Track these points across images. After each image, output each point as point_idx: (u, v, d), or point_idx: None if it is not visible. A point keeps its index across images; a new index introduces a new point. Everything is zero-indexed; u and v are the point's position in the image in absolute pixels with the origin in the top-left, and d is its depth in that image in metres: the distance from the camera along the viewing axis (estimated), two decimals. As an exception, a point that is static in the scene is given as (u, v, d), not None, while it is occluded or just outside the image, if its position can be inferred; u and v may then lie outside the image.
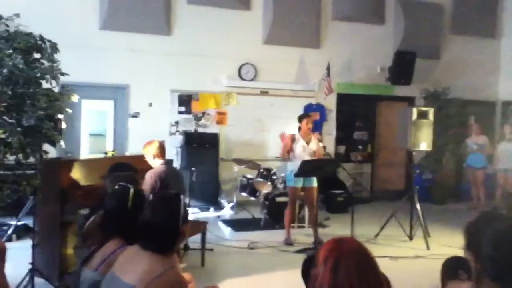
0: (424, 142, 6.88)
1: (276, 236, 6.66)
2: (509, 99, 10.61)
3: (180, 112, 8.81)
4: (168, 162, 4.86)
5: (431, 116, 6.93)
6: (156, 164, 4.75)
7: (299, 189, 6.34)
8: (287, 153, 6.38)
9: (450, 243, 6.51)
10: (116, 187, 2.76)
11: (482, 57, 10.70)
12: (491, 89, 10.85)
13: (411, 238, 6.67)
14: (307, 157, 6.18)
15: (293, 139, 6.37)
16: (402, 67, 9.83)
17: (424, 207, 6.72)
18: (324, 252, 1.67)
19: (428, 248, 6.28)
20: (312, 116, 6.62)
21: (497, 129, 10.76)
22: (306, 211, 7.10)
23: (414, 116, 6.85)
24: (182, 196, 2.36)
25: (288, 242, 6.34)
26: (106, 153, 6.30)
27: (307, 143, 6.35)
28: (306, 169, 6.07)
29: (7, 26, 4.52)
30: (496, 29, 10.93)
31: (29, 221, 5.92)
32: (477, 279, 1.76)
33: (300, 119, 6.50)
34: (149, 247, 2.24)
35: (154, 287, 2.11)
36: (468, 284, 2.83)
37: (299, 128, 6.45)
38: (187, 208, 2.44)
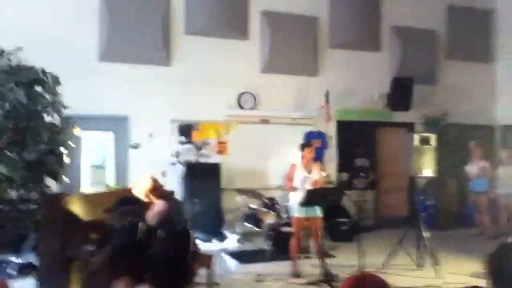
0: (427, 168, 6.85)
1: (283, 267, 6.51)
2: (508, 123, 10.64)
3: (181, 142, 8.75)
4: (169, 197, 4.69)
5: (432, 142, 6.93)
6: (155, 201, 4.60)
7: (303, 219, 6.23)
8: (290, 181, 6.31)
9: (459, 271, 6.42)
10: (125, 222, 2.67)
11: (479, 81, 10.80)
12: (489, 113, 10.91)
13: (418, 266, 6.54)
14: (308, 187, 6.07)
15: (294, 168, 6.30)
16: (400, 93, 9.89)
17: (429, 233, 6.61)
18: (346, 290, 1.61)
19: (437, 277, 6.14)
20: (314, 144, 6.55)
21: (496, 153, 10.76)
22: (311, 241, 6.95)
23: (416, 142, 6.84)
24: (191, 232, 2.28)
25: (295, 274, 6.19)
26: (107, 186, 6.20)
27: (309, 172, 6.27)
28: (312, 198, 5.98)
29: (9, 60, 4.49)
30: (490, 54, 11.06)
31: (32, 259, 5.78)
32: None
33: (303, 148, 6.45)
34: (159, 284, 2.15)
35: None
36: None
37: (302, 157, 6.38)
38: (196, 244, 2.36)
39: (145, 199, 4.63)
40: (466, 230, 9.50)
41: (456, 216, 10.04)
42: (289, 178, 6.34)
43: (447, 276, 6.15)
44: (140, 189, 4.58)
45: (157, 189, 4.63)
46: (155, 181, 4.68)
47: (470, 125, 10.44)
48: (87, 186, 8.31)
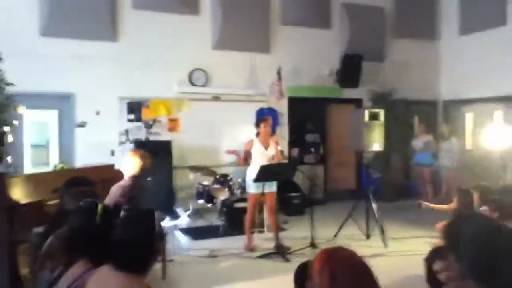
0: (376, 143, 7.07)
1: (236, 242, 6.59)
2: (450, 98, 11.13)
3: (130, 120, 8.54)
4: (137, 176, 4.62)
5: (381, 117, 7.14)
6: (127, 174, 4.52)
7: (258, 195, 6.30)
8: (245, 160, 6.34)
9: (405, 239, 6.76)
10: (81, 203, 2.59)
11: (424, 58, 11.16)
12: (433, 90, 11.34)
13: (368, 236, 6.81)
14: (265, 162, 6.14)
15: (251, 145, 6.33)
16: (349, 70, 10.07)
17: (376, 205, 6.88)
18: (319, 263, 1.65)
19: (385, 245, 6.43)
20: (269, 119, 6.60)
21: (440, 128, 11.26)
22: (264, 216, 7.06)
23: (366, 118, 7.03)
24: (156, 212, 2.25)
25: (249, 248, 6.28)
26: (55, 166, 5.98)
27: (266, 148, 6.33)
28: (265, 174, 6.04)
29: None
30: (434, 31, 11.44)
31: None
32: (461, 280, 1.78)
33: (258, 123, 6.50)
34: (123, 267, 2.12)
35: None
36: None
37: (257, 134, 6.42)
38: (161, 224, 2.33)
39: (125, 170, 4.53)
40: (411, 201, 9.95)
41: (400, 188, 10.48)
42: (246, 153, 6.36)
43: (394, 244, 6.45)
44: (137, 163, 4.48)
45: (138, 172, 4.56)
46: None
47: (415, 101, 10.83)
48: (28, 167, 7.98)
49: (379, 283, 1.62)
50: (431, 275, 3.08)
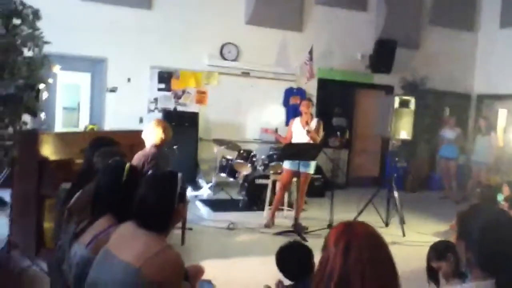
0: (404, 131, 6.98)
1: (254, 217, 6.67)
2: (484, 93, 10.85)
3: (160, 89, 8.64)
4: (160, 145, 4.67)
5: (412, 105, 7.04)
6: (149, 144, 4.60)
7: (293, 172, 6.27)
8: (287, 137, 6.47)
9: (424, 231, 6.71)
10: (110, 161, 2.66)
11: (460, 49, 10.88)
12: (466, 82, 11.07)
13: (387, 224, 6.79)
14: (303, 138, 6.19)
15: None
16: (382, 56, 9.89)
17: (398, 194, 6.84)
18: (335, 234, 1.65)
19: (404, 234, 6.40)
20: (307, 102, 6.58)
21: (470, 122, 11.03)
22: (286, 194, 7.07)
23: (396, 104, 6.93)
24: (179, 175, 2.29)
25: (268, 225, 6.33)
26: (86, 127, 6.11)
27: (304, 127, 6.27)
28: (288, 152, 6.06)
29: (-14, -11, 4.28)
30: (473, 22, 11.11)
31: (3, 194, 5.73)
32: (468, 267, 1.79)
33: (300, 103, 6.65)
34: (145, 224, 2.18)
35: (152, 265, 2.06)
36: (448, 265, 2.94)
37: (300, 113, 6.46)
38: (185, 187, 2.37)
39: (152, 142, 4.57)
40: (433, 193, 9.85)
41: (424, 180, 10.37)
42: (288, 132, 6.48)
43: (413, 235, 6.43)
44: (159, 134, 4.54)
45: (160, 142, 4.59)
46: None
47: (447, 92, 10.60)
48: (59, 127, 8.18)
49: (394, 260, 1.62)
50: (430, 272, 3.09)
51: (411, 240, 6.17)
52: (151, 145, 4.55)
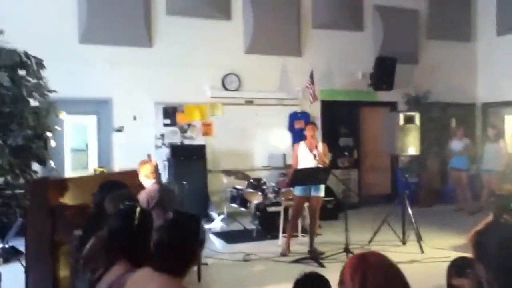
0: (411, 147, 6.95)
1: (269, 246, 6.61)
2: (488, 101, 10.83)
3: (165, 125, 8.71)
4: (161, 181, 4.72)
5: (417, 120, 7.02)
6: (148, 183, 4.65)
7: (304, 199, 6.27)
8: (295, 163, 6.40)
9: (442, 246, 6.60)
10: (122, 206, 2.67)
11: (459, 60, 10.93)
12: (470, 92, 11.07)
13: (404, 242, 6.70)
14: (310, 165, 6.13)
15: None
16: (383, 73, 9.95)
17: (411, 210, 6.76)
18: (350, 268, 1.66)
19: (422, 252, 6.31)
20: (311, 125, 6.58)
21: (477, 131, 10.98)
22: (299, 220, 7.02)
23: (401, 121, 6.92)
24: (200, 218, 2.29)
25: (284, 253, 6.26)
26: (95, 170, 6.16)
27: (311, 151, 6.22)
28: (299, 177, 6.04)
29: (-10, 43, 4.39)
30: (470, 33, 11.18)
31: (16, 243, 5.74)
32: None
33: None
34: (164, 268, 2.16)
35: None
36: (470, 283, 2.88)
37: (304, 138, 6.48)
38: (204, 231, 2.37)
39: (143, 180, 4.64)
40: (447, 206, 9.73)
41: (437, 193, 10.26)
42: (294, 157, 6.43)
43: (431, 251, 6.32)
44: (145, 171, 4.61)
45: (155, 175, 4.67)
46: (156, 167, 4.72)
47: (451, 103, 10.59)
48: (68, 170, 8.24)
49: (409, 285, 1.61)
50: None
51: (430, 257, 6.07)
52: (151, 183, 4.62)
